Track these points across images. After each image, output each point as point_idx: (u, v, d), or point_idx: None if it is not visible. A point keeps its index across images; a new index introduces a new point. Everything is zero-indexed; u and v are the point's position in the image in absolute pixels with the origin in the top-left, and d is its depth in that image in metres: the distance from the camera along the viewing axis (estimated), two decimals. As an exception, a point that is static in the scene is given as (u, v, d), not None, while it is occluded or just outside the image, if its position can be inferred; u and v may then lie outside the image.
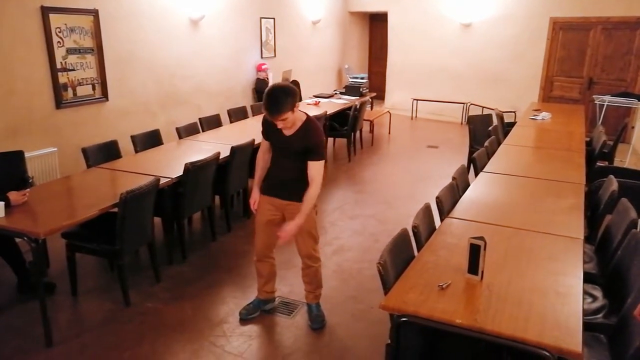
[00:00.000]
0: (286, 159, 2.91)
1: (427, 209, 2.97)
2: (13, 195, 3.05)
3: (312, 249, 3.08)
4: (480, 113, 8.38)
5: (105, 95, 5.33)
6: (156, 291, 3.56)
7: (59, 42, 4.75)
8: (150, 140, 4.75)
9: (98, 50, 5.18)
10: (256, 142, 4.57)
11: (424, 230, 2.81)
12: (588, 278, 2.73)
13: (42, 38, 4.60)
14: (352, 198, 5.62)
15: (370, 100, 8.60)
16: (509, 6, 9.23)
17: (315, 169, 2.83)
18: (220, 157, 4.20)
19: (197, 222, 4.90)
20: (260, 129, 3.01)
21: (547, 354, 1.80)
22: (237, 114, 6.14)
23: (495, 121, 6.35)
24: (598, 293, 2.74)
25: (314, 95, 8.21)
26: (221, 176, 4.36)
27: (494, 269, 2.34)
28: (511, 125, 6.22)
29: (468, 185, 3.71)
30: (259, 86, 7.85)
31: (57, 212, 3.11)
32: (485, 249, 2.22)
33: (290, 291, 3.57)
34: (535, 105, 7.47)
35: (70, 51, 4.88)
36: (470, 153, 5.94)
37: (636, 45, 8.31)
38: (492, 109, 7.87)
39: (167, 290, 3.58)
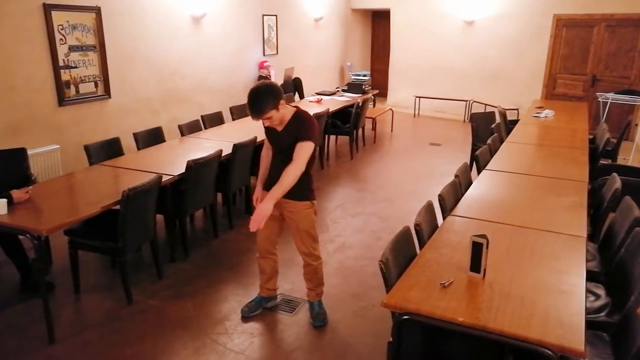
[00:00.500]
0: (281, 155, 2.91)
1: (429, 206, 2.97)
2: (16, 193, 3.06)
3: (312, 248, 3.06)
4: (483, 111, 8.37)
5: (107, 92, 5.33)
6: (158, 289, 3.57)
7: (61, 39, 4.75)
8: (152, 137, 4.75)
9: (100, 47, 5.18)
10: (258, 140, 4.57)
11: (426, 228, 2.80)
12: (591, 276, 2.72)
13: (44, 35, 4.61)
14: (354, 195, 5.62)
15: (372, 97, 8.59)
16: (512, 3, 9.19)
17: (301, 150, 2.72)
18: (223, 155, 4.20)
19: (199, 220, 4.90)
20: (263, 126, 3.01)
21: (550, 352, 1.79)
22: (239, 112, 6.13)
23: (497, 119, 6.33)
24: (601, 291, 2.73)
25: (316, 93, 8.19)
26: (223, 174, 4.36)
27: (497, 267, 2.33)
28: (514, 122, 6.20)
29: (470, 183, 3.70)
30: (261, 84, 7.83)
31: (59, 210, 3.12)
32: (487, 247, 2.22)
33: (292, 289, 3.57)
34: (538, 103, 7.45)
35: (72, 48, 4.88)
36: (473, 151, 5.92)
37: (640, 43, 8.27)
38: (495, 107, 7.85)
39: (169, 287, 3.59)
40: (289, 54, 8.87)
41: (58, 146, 4.71)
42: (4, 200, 2.94)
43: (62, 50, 4.77)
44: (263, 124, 2.83)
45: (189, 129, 5.21)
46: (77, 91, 5.00)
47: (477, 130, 6.08)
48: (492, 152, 4.60)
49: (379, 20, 11.78)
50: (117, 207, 3.17)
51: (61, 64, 4.78)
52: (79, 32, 4.94)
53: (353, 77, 8.79)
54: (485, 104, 9.25)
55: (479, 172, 4.09)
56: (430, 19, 10.09)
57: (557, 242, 2.65)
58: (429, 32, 10.16)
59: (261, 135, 3.17)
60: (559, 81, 9.15)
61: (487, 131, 5.68)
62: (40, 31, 4.57)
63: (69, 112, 4.95)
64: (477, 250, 2.23)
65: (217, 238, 4.41)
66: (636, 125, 7.80)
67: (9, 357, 2.83)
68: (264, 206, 2.69)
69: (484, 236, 2.23)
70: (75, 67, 4.94)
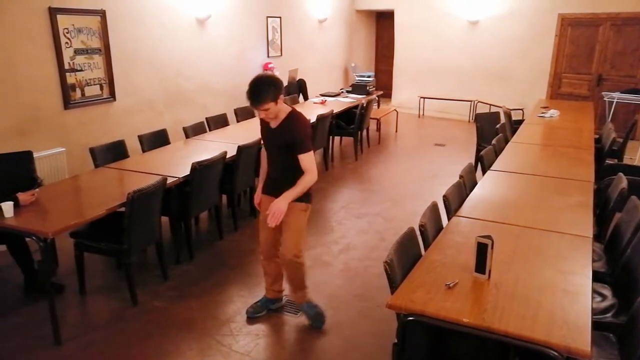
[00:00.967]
0: (275, 155, 2.96)
1: (434, 207, 2.96)
2: (22, 195, 3.08)
3: (298, 249, 3.00)
4: (488, 111, 8.34)
5: (112, 95, 5.36)
6: (163, 290, 3.58)
7: (66, 42, 4.78)
8: (157, 139, 4.77)
9: (105, 50, 5.20)
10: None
11: (431, 228, 2.79)
12: (597, 277, 2.71)
13: (50, 39, 4.63)
14: (358, 196, 5.61)
15: (377, 98, 8.59)
16: (517, 3, 9.16)
17: (307, 161, 2.85)
18: (227, 157, 4.21)
19: (204, 221, 4.91)
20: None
21: (556, 353, 1.79)
22: (244, 113, 6.15)
23: (502, 119, 6.31)
24: (607, 292, 2.72)
25: (320, 94, 8.20)
26: (228, 175, 4.37)
27: (502, 268, 2.32)
28: (519, 122, 6.18)
29: (475, 183, 3.69)
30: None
31: (65, 212, 3.14)
32: (492, 247, 2.21)
33: (296, 290, 3.56)
34: (543, 103, 7.41)
35: (78, 52, 4.91)
36: (478, 151, 5.91)
37: (646, 41, 8.22)
38: (500, 107, 7.83)
39: (174, 289, 3.60)
40: (293, 56, 8.88)
41: (64, 149, 4.73)
42: (11, 203, 2.96)
43: (67, 53, 4.80)
44: (259, 116, 2.90)
45: (193, 131, 5.23)
46: (83, 94, 5.02)
47: (481, 131, 6.06)
48: (497, 152, 4.59)
49: (383, 21, 11.78)
50: (123, 209, 3.18)
51: (67, 67, 4.81)
52: (84, 35, 4.97)
53: (357, 78, 8.78)
54: (490, 104, 9.23)
55: (483, 172, 4.08)
56: (434, 19, 10.07)
57: (562, 243, 2.64)
58: (433, 33, 10.15)
59: (265, 137, 3.18)
60: (564, 81, 9.11)
61: (492, 131, 5.66)
62: (46, 35, 4.60)
63: (75, 114, 4.97)
64: (482, 251, 2.22)
65: (222, 239, 4.42)
66: (642, 124, 7.75)
67: (15, 357, 2.85)
68: (281, 203, 2.78)
69: (489, 237, 2.23)
70: (81, 70, 4.97)
